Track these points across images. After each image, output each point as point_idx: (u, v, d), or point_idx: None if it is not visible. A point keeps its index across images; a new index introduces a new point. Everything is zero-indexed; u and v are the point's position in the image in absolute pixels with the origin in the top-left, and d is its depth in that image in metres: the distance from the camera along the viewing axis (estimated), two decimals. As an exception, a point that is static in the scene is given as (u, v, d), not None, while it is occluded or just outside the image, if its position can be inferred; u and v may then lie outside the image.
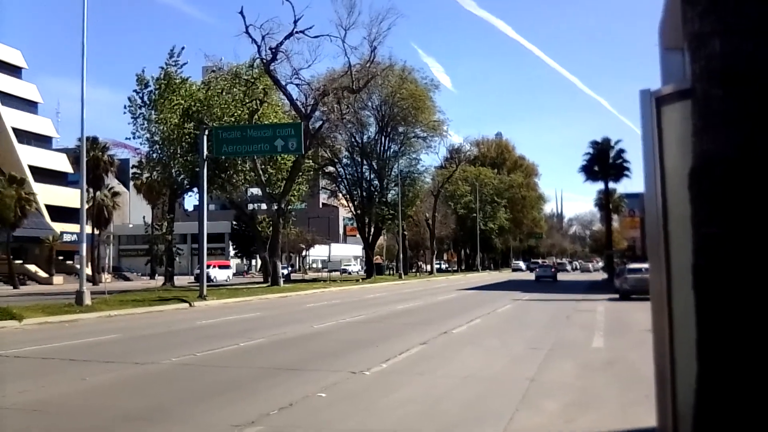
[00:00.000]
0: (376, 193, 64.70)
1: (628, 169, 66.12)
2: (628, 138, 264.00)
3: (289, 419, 8.34)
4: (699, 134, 3.41)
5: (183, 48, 48.41)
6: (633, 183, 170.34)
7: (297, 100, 46.77)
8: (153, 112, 44.18)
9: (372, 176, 65.95)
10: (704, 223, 3.33)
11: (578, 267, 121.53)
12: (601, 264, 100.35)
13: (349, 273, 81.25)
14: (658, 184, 4.71)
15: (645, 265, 36.00)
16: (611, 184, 68.68)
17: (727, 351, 3.19)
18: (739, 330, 3.15)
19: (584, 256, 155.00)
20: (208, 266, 44.93)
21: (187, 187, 48.73)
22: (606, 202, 72.10)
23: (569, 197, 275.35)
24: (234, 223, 77.97)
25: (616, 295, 34.91)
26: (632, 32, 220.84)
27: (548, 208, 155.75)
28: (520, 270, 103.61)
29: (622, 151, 65.41)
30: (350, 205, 67.08)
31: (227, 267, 67.34)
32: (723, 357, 3.21)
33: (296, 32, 42.31)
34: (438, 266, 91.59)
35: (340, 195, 71.32)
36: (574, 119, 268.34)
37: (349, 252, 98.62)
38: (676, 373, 4.63)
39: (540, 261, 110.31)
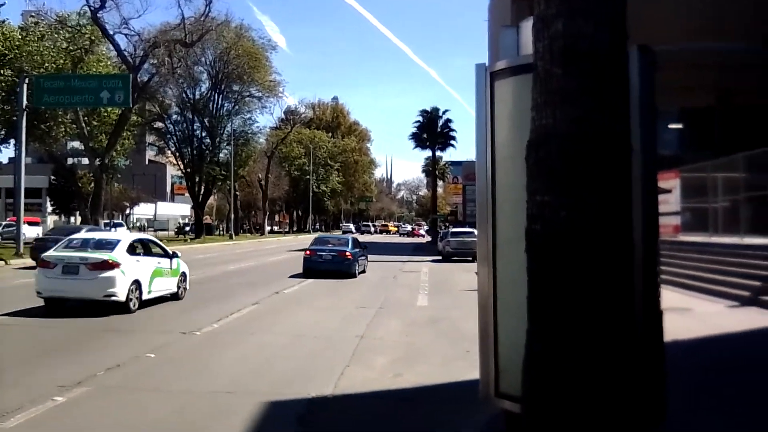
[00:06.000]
0: (207, 152, 62.57)
1: (454, 138, 69.80)
2: (455, 109, 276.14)
3: (117, 379, 8.11)
4: (539, 109, 3.65)
5: (-1, -13, 43.62)
6: (458, 152, 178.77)
7: (125, 50, 44.09)
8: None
9: (203, 134, 63.61)
10: (540, 192, 3.61)
11: (407, 230, 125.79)
12: (426, 227, 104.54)
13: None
14: (488, 153, 5.05)
15: (466, 230, 38.21)
16: (438, 153, 71.95)
17: (558, 307, 3.52)
18: (571, 289, 3.49)
19: (410, 219, 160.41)
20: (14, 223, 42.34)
21: (2, 137, 44.55)
22: (433, 169, 75.23)
23: (399, 163, 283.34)
24: (52, 177, 72.32)
25: (440, 257, 36.72)
26: (461, 7, 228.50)
27: (379, 172, 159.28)
28: (350, 232, 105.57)
29: (449, 120, 68.91)
30: (179, 163, 64.45)
31: (37, 224, 62.66)
32: (554, 314, 3.54)
33: (128, -22, 39.70)
34: (270, 228, 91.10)
35: (169, 152, 68.29)
36: (406, 88, 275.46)
37: (177, 211, 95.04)
38: (498, 330, 5.04)
39: (370, 224, 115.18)
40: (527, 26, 4.89)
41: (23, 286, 18.68)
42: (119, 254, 13.65)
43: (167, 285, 15.37)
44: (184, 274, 16.26)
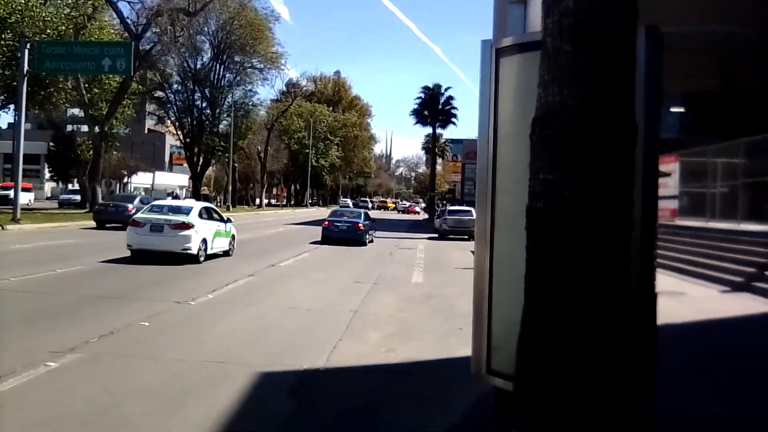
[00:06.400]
0: (207, 123, 62.26)
1: (455, 115, 69.46)
2: (456, 87, 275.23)
3: (110, 347, 8.11)
4: (546, 86, 3.61)
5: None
6: (458, 129, 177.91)
7: (128, 18, 43.77)
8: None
9: (204, 105, 63.27)
10: (543, 170, 3.58)
11: (405, 207, 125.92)
12: (422, 205, 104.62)
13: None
14: (491, 131, 5.00)
15: (463, 208, 38.22)
16: (439, 130, 71.67)
17: (556, 285, 3.51)
18: (569, 267, 3.47)
19: (408, 196, 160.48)
20: (7, 188, 42.15)
21: (2, 103, 44.32)
22: (432, 146, 74.94)
23: (398, 140, 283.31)
24: (51, 144, 71.99)
25: (436, 235, 36.76)
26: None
27: (378, 148, 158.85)
28: (348, 207, 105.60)
29: (451, 98, 68.44)
30: (179, 133, 64.13)
31: (28, 190, 62.49)
32: (551, 292, 3.52)
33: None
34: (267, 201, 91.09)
35: (168, 122, 67.94)
36: (408, 64, 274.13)
37: (175, 181, 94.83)
38: (492, 308, 5.03)
39: (368, 199, 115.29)
40: (534, 3, 4.83)
41: (19, 252, 18.77)
42: (193, 217, 17.37)
43: (223, 244, 19.08)
44: (233, 236, 19.96)
